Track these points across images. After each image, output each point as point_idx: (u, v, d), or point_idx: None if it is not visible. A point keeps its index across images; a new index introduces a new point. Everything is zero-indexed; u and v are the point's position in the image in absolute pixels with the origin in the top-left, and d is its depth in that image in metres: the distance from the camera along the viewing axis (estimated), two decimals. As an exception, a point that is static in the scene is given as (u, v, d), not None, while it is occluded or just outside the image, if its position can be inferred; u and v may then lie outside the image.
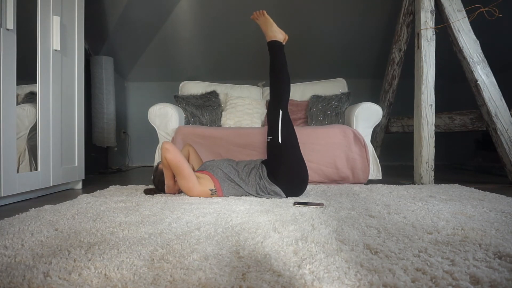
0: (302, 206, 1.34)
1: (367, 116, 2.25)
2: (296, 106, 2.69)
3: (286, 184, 1.57)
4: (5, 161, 1.46)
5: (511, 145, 2.16)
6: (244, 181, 1.59)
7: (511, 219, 1.10)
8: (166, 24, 3.25)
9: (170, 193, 1.66)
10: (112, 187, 1.91)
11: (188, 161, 1.83)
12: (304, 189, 1.63)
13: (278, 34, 1.71)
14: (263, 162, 1.67)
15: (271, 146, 1.63)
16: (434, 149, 2.20)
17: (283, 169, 1.57)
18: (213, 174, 1.59)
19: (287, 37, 1.75)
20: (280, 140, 1.59)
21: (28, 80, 1.69)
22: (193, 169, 1.70)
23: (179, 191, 1.68)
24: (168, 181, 1.60)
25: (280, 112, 1.64)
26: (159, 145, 2.30)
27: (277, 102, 1.67)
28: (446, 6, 2.21)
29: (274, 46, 1.70)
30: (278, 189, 1.55)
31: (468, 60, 2.18)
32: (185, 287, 0.61)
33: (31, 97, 1.73)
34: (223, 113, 2.71)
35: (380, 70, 3.69)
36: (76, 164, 2.05)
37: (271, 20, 1.73)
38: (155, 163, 2.17)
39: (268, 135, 1.66)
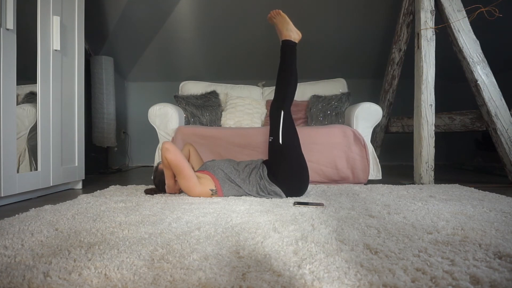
0: (302, 206, 1.34)
1: (367, 116, 2.25)
2: (296, 106, 2.69)
3: (287, 185, 1.57)
4: (5, 161, 1.46)
5: (511, 145, 2.16)
6: (245, 181, 1.59)
7: (511, 219, 1.10)
8: (166, 24, 3.25)
9: (171, 193, 1.66)
10: (112, 187, 1.91)
11: (189, 160, 1.83)
12: (304, 190, 1.63)
13: (293, 34, 1.69)
14: (264, 162, 1.67)
15: (272, 146, 1.63)
16: (434, 149, 2.20)
17: (283, 170, 1.57)
18: (214, 174, 1.59)
19: (296, 38, 1.72)
20: (280, 141, 1.59)
21: (28, 80, 1.69)
22: (193, 169, 1.71)
23: (180, 191, 1.68)
24: (168, 181, 1.60)
25: (282, 112, 1.63)
26: (159, 145, 2.30)
27: (280, 102, 1.66)
28: (446, 6, 2.21)
29: (287, 45, 1.68)
30: (278, 189, 1.55)
31: (468, 60, 2.18)
32: (185, 287, 0.61)
33: (31, 97, 1.73)
34: (223, 113, 2.71)
35: (380, 70, 3.69)
36: (76, 164, 2.05)
37: (288, 19, 1.70)
38: (155, 163, 2.17)
39: (269, 136, 1.66)
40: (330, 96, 2.64)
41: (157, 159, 2.24)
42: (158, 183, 1.68)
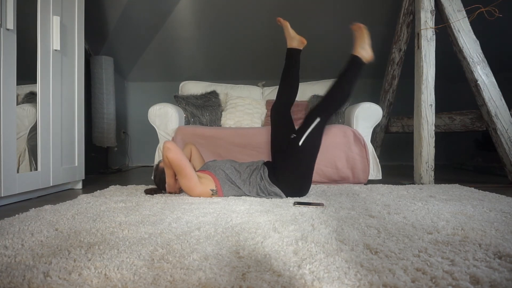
0: (302, 206, 1.34)
1: (367, 116, 2.25)
2: (296, 106, 2.69)
3: (289, 186, 1.56)
4: (5, 161, 1.46)
5: (511, 145, 2.16)
6: (245, 182, 1.58)
7: (511, 219, 1.10)
8: (166, 24, 3.25)
9: (171, 192, 1.66)
10: (112, 187, 1.91)
11: (190, 160, 1.83)
12: (305, 194, 1.63)
13: (365, 53, 1.66)
14: (265, 163, 1.67)
15: (289, 144, 1.58)
16: (434, 149, 2.20)
17: (290, 172, 1.56)
18: (215, 175, 1.59)
19: (367, 58, 1.69)
20: (300, 143, 1.54)
21: (28, 80, 1.69)
22: (194, 169, 1.71)
23: (180, 190, 1.68)
24: (169, 180, 1.60)
25: (318, 119, 1.57)
26: (159, 145, 2.30)
27: (322, 109, 1.61)
28: (446, 6, 2.21)
29: (355, 62, 1.66)
30: (278, 190, 1.55)
31: (468, 60, 2.18)
32: (185, 287, 0.61)
33: (31, 97, 1.73)
34: (223, 113, 2.71)
35: (380, 70, 3.68)
36: (76, 164, 2.05)
37: (366, 36, 1.68)
38: (155, 163, 2.17)
39: (293, 132, 1.61)
40: (330, 96, 2.64)
41: (157, 159, 2.24)
42: (158, 181, 1.69)
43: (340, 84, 1.64)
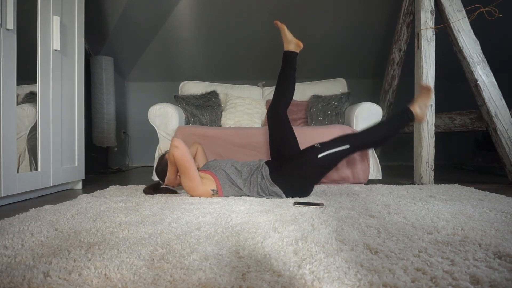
0: (302, 206, 1.34)
1: (367, 116, 2.25)
2: (296, 106, 2.69)
3: (291, 186, 1.57)
4: (5, 161, 1.46)
5: (511, 145, 2.15)
6: (246, 182, 1.58)
7: (511, 219, 1.10)
8: (166, 24, 3.25)
9: (168, 185, 1.67)
10: (112, 187, 1.91)
11: (194, 159, 1.84)
12: (306, 195, 1.62)
13: (419, 111, 1.74)
14: (266, 162, 1.67)
15: (308, 150, 1.61)
16: (434, 149, 2.20)
17: (296, 174, 1.57)
18: (216, 175, 1.59)
19: (419, 118, 1.76)
20: (319, 156, 1.56)
21: (28, 80, 1.69)
22: (198, 168, 1.72)
23: (178, 185, 1.69)
24: (170, 175, 1.62)
25: (347, 146, 1.60)
26: (159, 145, 2.30)
27: (355, 140, 1.65)
28: (446, 6, 2.21)
29: (406, 114, 1.74)
30: (279, 190, 1.55)
31: (468, 60, 2.18)
32: (185, 287, 0.61)
33: (31, 97, 1.73)
34: (223, 113, 2.71)
35: (380, 70, 3.69)
36: (76, 164, 2.05)
37: (428, 101, 1.78)
38: (155, 164, 2.17)
39: (319, 142, 1.63)
40: (330, 96, 2.64)
41: (157, 159, 2.24)
42: (160, 172, 1.72)
43: (382, 127, 1.73)
